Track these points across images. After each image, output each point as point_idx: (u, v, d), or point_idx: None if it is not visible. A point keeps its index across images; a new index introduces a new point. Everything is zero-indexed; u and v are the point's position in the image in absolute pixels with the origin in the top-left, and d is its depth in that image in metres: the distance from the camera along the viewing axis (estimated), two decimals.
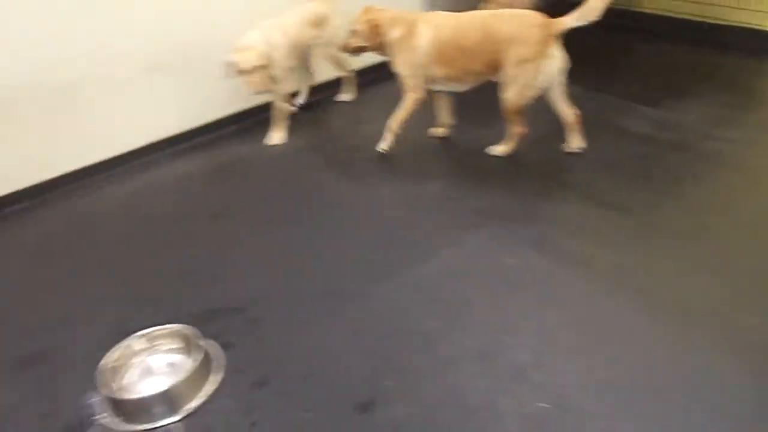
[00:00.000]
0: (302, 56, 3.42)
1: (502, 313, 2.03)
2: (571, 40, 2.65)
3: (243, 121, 3.22)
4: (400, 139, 3.00)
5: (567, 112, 2.78)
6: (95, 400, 1.86)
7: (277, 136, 3.26)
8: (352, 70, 3.63)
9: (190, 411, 1.81)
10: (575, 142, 2.83)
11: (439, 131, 3.15)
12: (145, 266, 2.51)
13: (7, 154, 2.96)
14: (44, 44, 2.87)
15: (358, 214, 2.64)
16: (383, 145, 3.03)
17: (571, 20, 2.56)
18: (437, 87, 2.94)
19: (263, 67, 2.88)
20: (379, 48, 2.89)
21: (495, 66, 2.68)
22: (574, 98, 2.78)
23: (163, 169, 3.27)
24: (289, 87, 3.18)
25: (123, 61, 3.10)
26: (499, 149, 2.91)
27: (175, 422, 1.79)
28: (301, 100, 3.66)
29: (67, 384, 1.98)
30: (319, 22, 3.30)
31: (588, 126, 2.83)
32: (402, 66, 2.86)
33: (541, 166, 2.84)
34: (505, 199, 2.62)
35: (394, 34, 2.81)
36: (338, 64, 3.52)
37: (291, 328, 2.08)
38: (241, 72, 2.88)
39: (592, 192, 2.57)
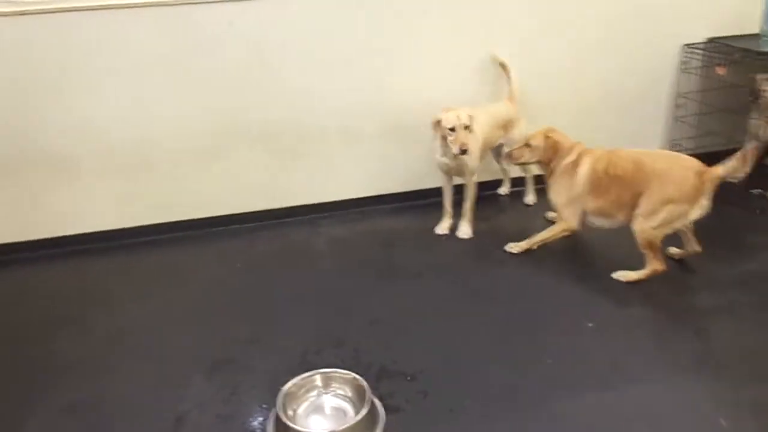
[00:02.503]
0: (495, 153, 3.52)
1: None
2: None
3: (456, 195, 3.32)
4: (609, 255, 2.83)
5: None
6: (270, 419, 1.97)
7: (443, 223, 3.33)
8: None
9: None
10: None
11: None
12: (338, 307, 2.65)
13: (251, 179, 3.41)
14: (307, 93, 3.29)
15: (555, 319, 2.51)
16: (515, 249, 3.01)
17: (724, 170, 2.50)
18: (590, 221, 2.88)
19: (467, 127, 2.93)
20: (547, 168, 2.94)
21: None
22: None
23: (378, 221, 3.47)
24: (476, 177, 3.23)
25: (366, 118, 3.41)
26: (623, 275, 2.72)
27: None
28: (505, 189, 3.75)
29: (247, 395, 2.14)
30: (507, 125, 3.33)
31: None
32: (558, 196, 2.89)
33: None
34: (728, 347, 2.29)
35: (565, 160, 2.85)
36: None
37: (458, 413, 2.02)
38: (448, 130, 2.94)
39: None
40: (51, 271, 3.11)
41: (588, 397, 2.05)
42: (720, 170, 2.50)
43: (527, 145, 2.94)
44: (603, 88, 3.64)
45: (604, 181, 2.73)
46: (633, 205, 2.67)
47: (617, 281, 2.72)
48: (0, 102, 2.95)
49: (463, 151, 2.91)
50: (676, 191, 2.53)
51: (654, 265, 2.66)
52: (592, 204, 2.80)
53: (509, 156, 3.04)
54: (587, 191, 2.79)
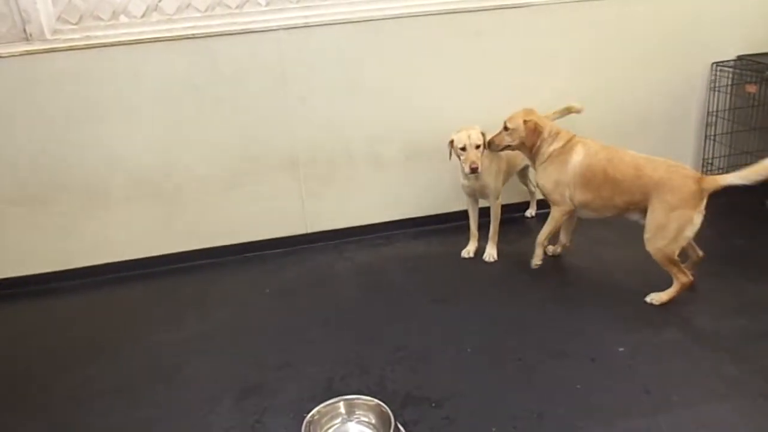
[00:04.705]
0: (520, 175, 3.54)
1: None
2: None
3: (483, 218, 3.31)
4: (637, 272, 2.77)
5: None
6: None
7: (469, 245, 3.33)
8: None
9: None
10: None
11: (553, 249, 3.07)
12: (364, 333, 2.64)
13: (278, 205, 3.46)
14: (332, 120, 3.35)
15: (585, 344, 2.45)
16: (536, 261, 3.02)
17: (732, 178, 2.44)
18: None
19: (479, 147, 2.94)
20: (528, 151, 2.90)
21: (636, 207, 2.67)
22: None
23: (404, 246, 3.47)
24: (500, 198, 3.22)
25: (391, 143, 3.44)
26: (656, 297, 2.66)
27: None
28: (531, 212, 3.74)
29: (272, 423, 2.14)
30: None
31: None
32: (547, 180, 2.84)
33: None
34: (765, 373, 2.20)
35: (552, 146, 2.81)
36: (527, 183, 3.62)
37: None
38: (460, 149, 2.95)
39: None
40: (85, 300, 3.19)
41: (618, 425, 2.00)
42: (727, 177, 2.48)
43: (505, 128, 2.90)
44: (632, 107, 3.60)
45: (598, 179, 2.71)
46: (624, 209, 2.70)
47: (650, 305, 2.66)
48: (33, 134, 3.08)
49: (473, 170, 2.92)
50: (675, 198, 2.51)
51: (680, 279, 2.62)
52: (579, 196, 2.78)
53: (490, 144, 2.97)
54: (577, 183, 2.77)
